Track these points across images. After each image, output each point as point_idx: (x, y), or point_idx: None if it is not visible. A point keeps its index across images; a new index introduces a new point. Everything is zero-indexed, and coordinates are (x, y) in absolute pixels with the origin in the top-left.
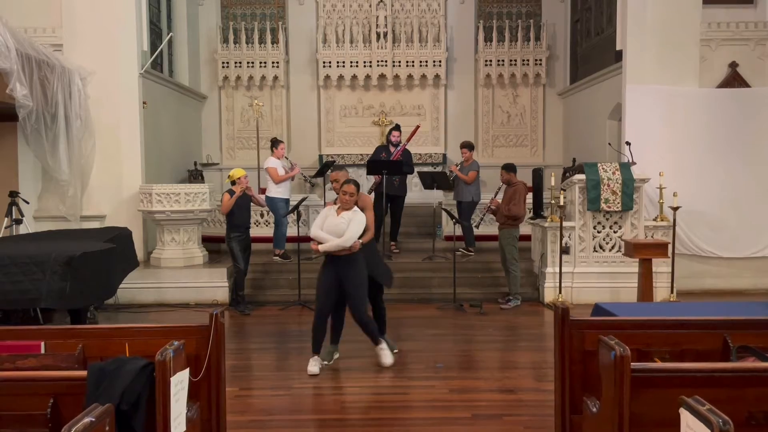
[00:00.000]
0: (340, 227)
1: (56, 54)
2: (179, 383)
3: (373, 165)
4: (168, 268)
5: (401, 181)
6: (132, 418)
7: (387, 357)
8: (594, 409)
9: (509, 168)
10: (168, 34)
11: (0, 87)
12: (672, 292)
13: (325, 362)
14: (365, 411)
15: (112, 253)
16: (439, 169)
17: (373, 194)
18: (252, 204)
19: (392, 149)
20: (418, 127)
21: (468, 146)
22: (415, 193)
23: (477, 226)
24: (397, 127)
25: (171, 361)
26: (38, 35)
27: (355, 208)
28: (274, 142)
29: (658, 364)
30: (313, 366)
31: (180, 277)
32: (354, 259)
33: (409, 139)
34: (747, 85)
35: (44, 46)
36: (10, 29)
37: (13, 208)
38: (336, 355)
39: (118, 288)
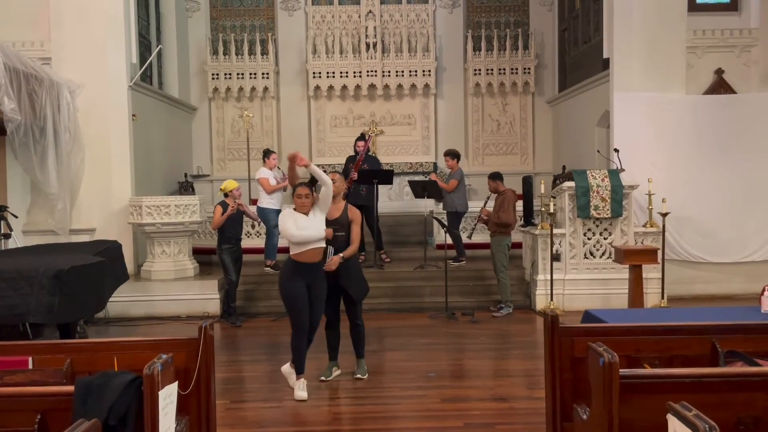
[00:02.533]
0: (314, 225)
1: (45, 67)
2: (168, 397)
3: (364, 174)
4: (158, 280)
5: (368, 192)
6: None
7: (300, 391)
8: (584, 416)
9: (495, 177)
10: (157, 46)
11: None
12: (662, 297)
13: (322, 378)
14: (357, 422)
15: (101, 266)
16: (429, 177)
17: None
18: (244, 217)
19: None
20: (370, 137)
21: (450, 154)
22: (406, 202)
23: (469, 237)
24: (362, 137)
25: (159, 375)
26: (26, 49)
27: (315, 209)
28: (266, 153)
29: (647, 370)
30: (301, 390)
31: (171, 289)
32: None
33: (364, 150)
34: (733, 92)
35: (32, 59)
36: None
37: (2, 222)
38: (337, 372)
39: (108, 301)
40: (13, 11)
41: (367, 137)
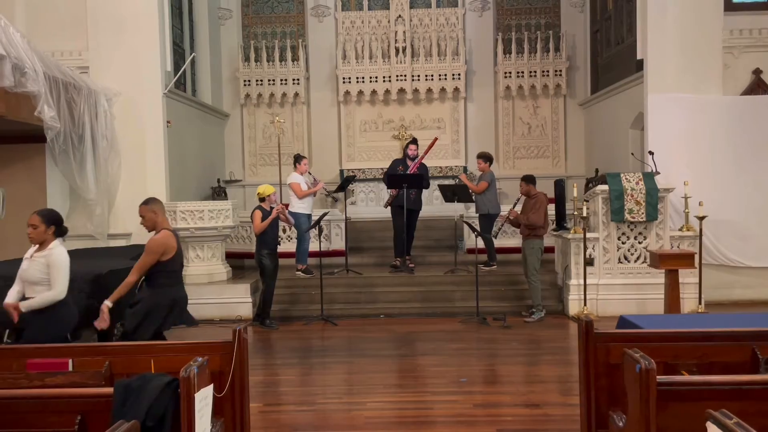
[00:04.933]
0: (29, 273)
1: (83, 76)
2: (203, 399)
3: (393, 179)
4: (192, 284)
5: (417, 195)
6: None
7: None
8: (620, 424)
9: (528, 179)
10: (191, 54)
11: (28, 109)
12: (700, 303)
13: None
14: (389, 427)
15: None
16: (459, 177)
17: (389, 208)
18: (280, 222)
19: (409, 162)
20: (435, 139)
21: (483, 157)
22: (436, 206)
23: (495, 236)
24: (414, 141)
25: (195, 378)
26: (65, 58)
27: (51, 245)
28: (297, 158)
29: (685, 377)
30: None
31: (204, 293)
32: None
33: (426, 152)
34: None
35: (71, 68)
36: (38, 53)
37: None
38: None
39: None
40: (52, 22)
41: (432, 140)
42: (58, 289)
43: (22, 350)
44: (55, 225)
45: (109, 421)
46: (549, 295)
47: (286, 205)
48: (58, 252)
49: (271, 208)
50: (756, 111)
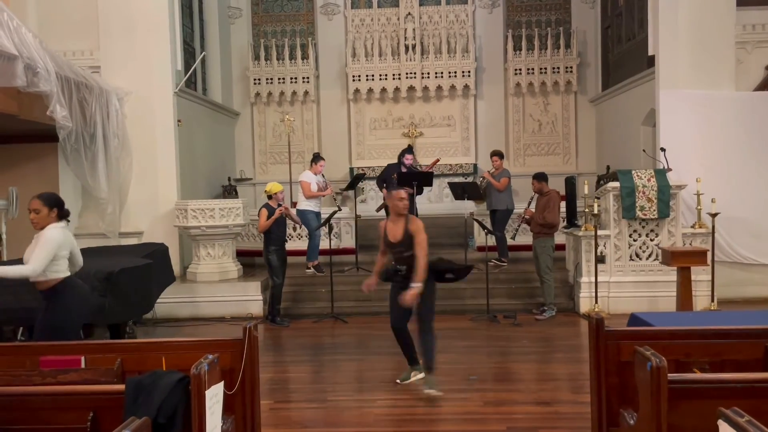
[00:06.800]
0: (27, 253)
1: (94, 75)
2: (214, 396)
3: (403, 176)
4: (203, 282)
5: (410, 199)
6: (168, 431)
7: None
8: (631, 422)
9: (540, 177)
10: (201, 53)
11: (41, 109)
12: (712, 300)
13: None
14: (399, 424)
15: (149, 268)
16: (470, 179)
17: (382, 211)
18: (287, 219)
19: (404, 171)
20: (437, 160)
21: (498, 155)
22: (446, 204)
23: (513, 238)
24: (410, 150)
25: (205, 375)
26: (77, 58)
27: (49, 226)
28: (315, 157)
29: (696, 375)
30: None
31: (215, 291)
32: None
33: (430, 168)
34: None
35: (83, 68)
36: (50, 53)
37: None
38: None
39: (156, 303)
40: (63, 22)
41: (434, 160)
42: (34, 265)
43: (36, 347)
44: (57, 207)
45: (120, 418)
46: (560, 292)
47: (294, 204)
48: (50, 231)
49: (279, 205)
50: None
